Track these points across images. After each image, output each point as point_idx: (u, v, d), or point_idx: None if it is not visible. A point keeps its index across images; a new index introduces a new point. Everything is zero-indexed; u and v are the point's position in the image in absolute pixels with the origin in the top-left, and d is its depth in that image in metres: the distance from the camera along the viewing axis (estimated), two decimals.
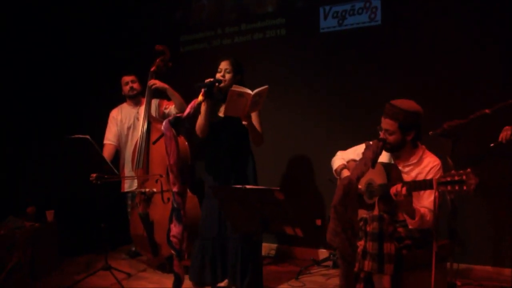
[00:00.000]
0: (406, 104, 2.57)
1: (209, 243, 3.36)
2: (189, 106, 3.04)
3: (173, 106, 4.05)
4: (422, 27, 3.75)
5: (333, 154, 3.10)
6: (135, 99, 4.23)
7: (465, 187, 2.12)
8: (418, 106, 2.60)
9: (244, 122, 3.08)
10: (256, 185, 3.30)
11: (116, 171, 3.67)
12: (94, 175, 3.63)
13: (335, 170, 2.98)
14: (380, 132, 2.64)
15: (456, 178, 2.15)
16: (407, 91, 3.72)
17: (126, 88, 4.21)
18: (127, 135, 4.24)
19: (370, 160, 2.50)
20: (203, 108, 3.28)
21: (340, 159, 3.00)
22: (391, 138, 2.58)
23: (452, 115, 3.03)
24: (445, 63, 3.66)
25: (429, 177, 2.48)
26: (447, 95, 3.65)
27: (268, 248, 4.44)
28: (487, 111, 2.92)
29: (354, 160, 2.95)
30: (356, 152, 2.96)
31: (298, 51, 4.35)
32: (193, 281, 3.44)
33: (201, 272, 3.38)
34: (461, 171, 2.14)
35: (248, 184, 3.14)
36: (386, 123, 2.58)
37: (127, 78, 4.20)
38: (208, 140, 3.40)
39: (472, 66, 3.56)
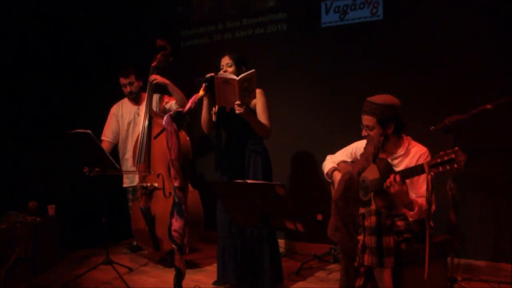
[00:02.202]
0: (381, 98, 2.61)
1: (223, 241, 3.37)
2: (190, 101, 3.04)
3: (174, 101, 4.05)
4: (424, 21, 3.74)
5: (333, 149, 3.12)
6: (136, 98, 4.23)
7: (455, 165, 2.15)
8: (395, 99, 2.63)
9: (237, 111, 2.96)
10: (268, 179, 3.27)
11: (117, 165, 3.68)
12: (87, 168, 3.64)
13: (326, 173, 3.03)
14: (362, 130, 2.67)
15: (446, 158, 2.19)
16: (409, 86, 3.73)
17: (124, 90, 4.21)
18: (127, 130, 4.25)
19: (371, 155, 2.52)
20: (204, 103, 3.28)
21: (330, 162, 3.05)
22: (372, 133, 2.60)
23: (454, 110, 3.03)
24: (447, 58, 3.65)
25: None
26: (448, 90, 3.64)
27: None
28: (488, 106, 2.91)
29: (344, 162, 2.98)
30: (345, 153, 3.00)
31: (299, 46, 4.34)
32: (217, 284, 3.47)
33: (220, 271, 3.41)
34: (449, 150, 2.18)
35: (257, 179, 3.14)
36: (365, 119, 2.63)
37: (123, 81, 4.17)
38: (216, 134, 3.39)
39: (474, 61, 3.55)
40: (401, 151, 2.66)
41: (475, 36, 3.54)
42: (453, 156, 2.16)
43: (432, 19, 3.70)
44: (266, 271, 3.26)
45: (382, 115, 2.56)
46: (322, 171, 3.35)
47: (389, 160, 2.67)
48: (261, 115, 3.23)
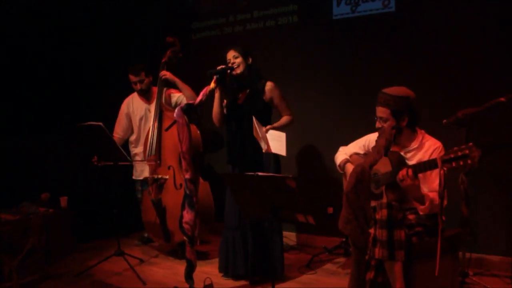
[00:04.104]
0: (396, 90, 2.59)
1: (232, 233, 3.39)
2: (201, 93, 3.05)
3: (182, 94, 4.07)
4: (437, 13, 3.69)
5: (344, 142, 3.10)
6: (147, 94, 4.23)
7: (469, 161, 2.13)
8: (409, 91, 2.61)
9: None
10: (278, 173, 3.29)
11: (128, 158, 3.72)
12: (96, 157, 3.74)
13: (339, 165, 3.02)
14: (376, 122, 2.65)
15: (459, 153, 2.16)
16: (421, 79, 3.70)
17: (134, 87, 4.21)
18: (139, 126, 4.26)
19: (383, 147, 2.50)
20: (216, 95, 3.29)
21: (342, 154, 3.04)
22: (386, 126, 2.58)
23: (467, 103, 3.00)
24: (460, 50, 3.61)
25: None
26: (461, 83, 3.60)
27: None
28: (502, 99, 2.88)
29: (356, 154, 2.97)
30: (358, 145, 2.98)
31: (310, 38, 4.32)
32: (221, 272, 3.51)
33: (227, 263, 3.43)
34: (463, 146, 2.15)
35: (269, 172, 3.15)
36: (379, 110, 2.62)
37: (133, 78, 4.16)
38: (228, 127, 3.41)
39: (488, 53, 3.51)
40: (414, 145, 2.64)
41: (489, 28, 3.50)
42: (467, 152, 2.13)
43: (444, 10, 3.66)
44: (277, 261, 3.30)
45: (396, 106, 2.55)
46: (333, 164, 3.34)
47: (402, 154, 2.65)
48: (281, 106, 3.35)
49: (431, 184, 2.55)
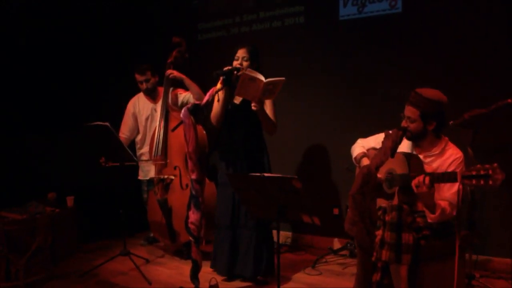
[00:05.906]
0: (430, 93, 2.55)
1: (224, 231, 3.41)
2: (208, 94, 3.05)
3: (187, 93, 4.08)
4: (444, 14, 3.69)
5: (350, 143, 3.09)
6: (152, 94, 4.25)
7: (490, 182, 2.06)
8: (442, 96, 2.55)
9: (253, 107, 3.04)
10: (269, 170, 3.33)
11: (135, 158, 3.73)
12: (103, 158, 3.78)
13: (355, 158, 2.96)
14: (402, 120, 2.62)
15: (482, 172, 2.09)
16: (428, 80, 3.67)
17: (140, 87, 4.22)
18: (145, 126, 4.28)
19: (389, 149, 2.48)
20: (221, 95, 3.29)
21: (360, 146, 2.98)
22: (412, 126, 2.56)
23: (473, 105, 2.98)
24: (467, 52, 3.60)
25: (450, 169, 2.45)
26: (468, 84, 3.59)
27: (284, 236, 4.45)
28: (509, 101, 2.86)
29: (374, 149, 2.93)
30: (377, 140, 2.93)
31: (317, 39, 4.32)
32: (213, 269, 3.52)
33: (219, 261, 3.45)
34: (487, 165, 2.08)
35: (262, 172, 3.16)
36: (409, 110, 2.58)
37: (139, 78, 4.17)
38: (223, 127, 3.42)
39: (495, 55, 3.50)
40: (436, 151, 2.60)
41: (496, 29, 3.48)
42: (490, 172, 2.07)
43: (452, 11, 3.65)
44: (264, 261, 3.35)
45: (426, 109, 2.51)
46: (338, 165, 3.36)
47: (422, 157, 2.61)
48: (269, 111, 3.28)
49: (444, 193, 2.51)
